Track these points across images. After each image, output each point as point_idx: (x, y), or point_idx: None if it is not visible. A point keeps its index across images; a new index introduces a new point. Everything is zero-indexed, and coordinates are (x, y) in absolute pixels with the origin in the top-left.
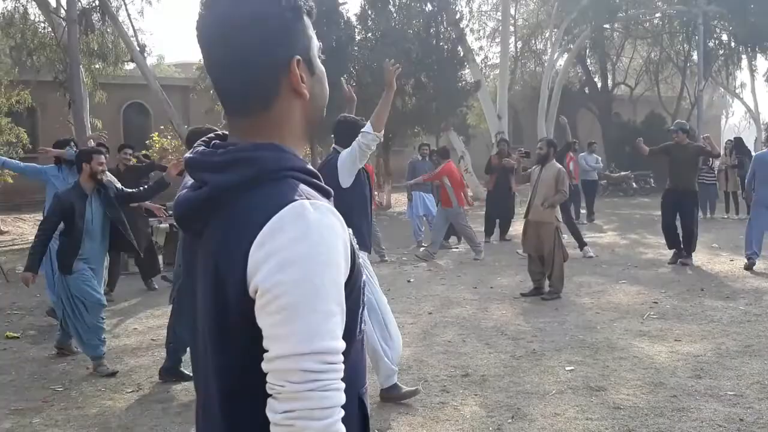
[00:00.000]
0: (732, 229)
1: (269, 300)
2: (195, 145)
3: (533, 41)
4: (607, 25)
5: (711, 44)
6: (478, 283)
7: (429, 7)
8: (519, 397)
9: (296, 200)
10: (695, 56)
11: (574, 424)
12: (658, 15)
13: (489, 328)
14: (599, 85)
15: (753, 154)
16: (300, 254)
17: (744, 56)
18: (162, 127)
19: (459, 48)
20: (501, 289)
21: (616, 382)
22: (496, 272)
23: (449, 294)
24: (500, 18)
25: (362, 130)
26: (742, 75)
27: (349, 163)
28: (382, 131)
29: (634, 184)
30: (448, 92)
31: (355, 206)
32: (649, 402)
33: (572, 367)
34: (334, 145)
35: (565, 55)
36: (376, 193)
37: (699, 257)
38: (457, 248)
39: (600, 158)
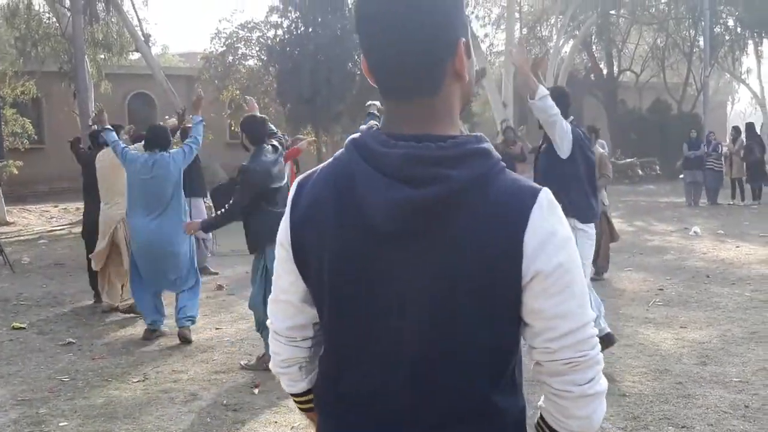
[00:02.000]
0: (737, 215)
1: (554, 281)
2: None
3: (539, 28)
4: (612, 11)
5: (717, 29)
6: None
7: None
8: (528, 387)
9: (539, 187)
10: (701, 42)
11: None
12: (664, 0)
13: None
14: (605, 71)
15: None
16: (565, 235)
17: (750, 41)
18: (167, 117)
19: None
20: None
21: (622, 369)
22: None
23: None
24: (505, 4)
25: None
26: (749, 60)
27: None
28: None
29: (639, 171)
30: None
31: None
32: (655, 389)
33: None
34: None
35: (571, 42)
36: None
37: (704, 244)
38: None
39: (605, 143)
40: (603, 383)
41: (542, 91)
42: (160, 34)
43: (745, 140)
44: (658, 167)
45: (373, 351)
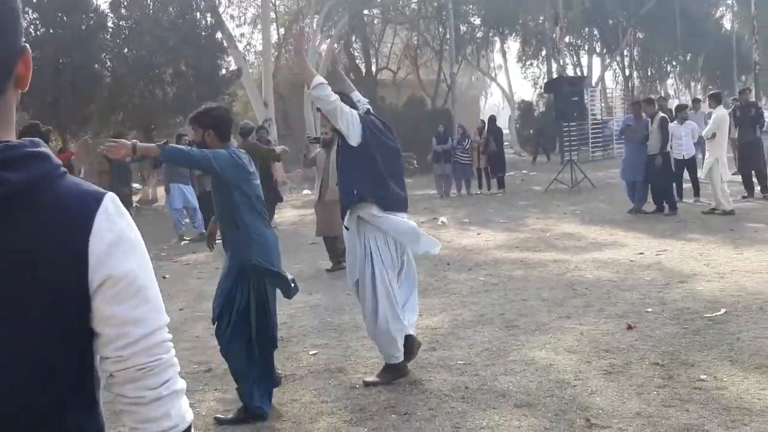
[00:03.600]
0: (484, 204)
1: (125, 286)
2: None
3: (296, 27)
4: (366, 11)
5: (464, 28)
6: None
7: None
8: None
9: (104, 191)
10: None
11: (308, 408)
12: (414, 0)
13: None
14: (364, 70)
15: (503, 131)
16: (135, 240)
17: (498, 39)
18: None
19: (219, 35)
20: None
21: (356, 362)
22: None
23: (205, 287)
24: (260, 4)
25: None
26: (498, 57)
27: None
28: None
29: None
30: (208, 80)
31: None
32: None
33: (316, 351)
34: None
35: (328, 41)
36: (139, 186)
37: (450, 232)
38: (218, 240)
39: None
40: (180, 383)
41: (318, 79)
42: None
43: (486, 133)
44: (415, 161)
45: None
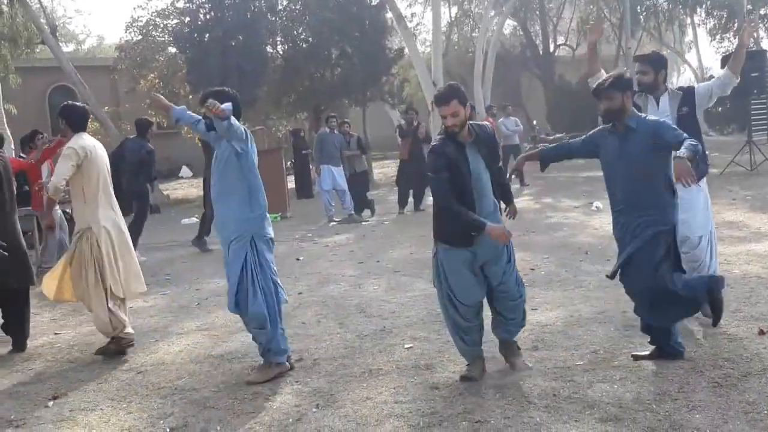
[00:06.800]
0: None
1: None
2: None
3: (468, 5)
4: None
5: (648, 2)
6: (367, 258)
7: None
8: (340, 381)
9: None
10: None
11: (379, 408)
12: None
13: (351, 306)
14: (541, 47)
15: None
16: None
17: (687, 16)
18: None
19: (386, 14)
20: (387, 263)
21: (449, 359)
22: (392, 245)
23: (331, 271)
24: None
25: (725, 74)
26: (688, 32)
27: (706, 100)
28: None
29: None
30: (373, 60)
31: None
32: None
33: (411, 345)
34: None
35: (499, 18)
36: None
37: (601, 218)
38: (367, 221)
39: (519, 120)
40: None
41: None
42: (96, 25)
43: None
44: None
45: None
